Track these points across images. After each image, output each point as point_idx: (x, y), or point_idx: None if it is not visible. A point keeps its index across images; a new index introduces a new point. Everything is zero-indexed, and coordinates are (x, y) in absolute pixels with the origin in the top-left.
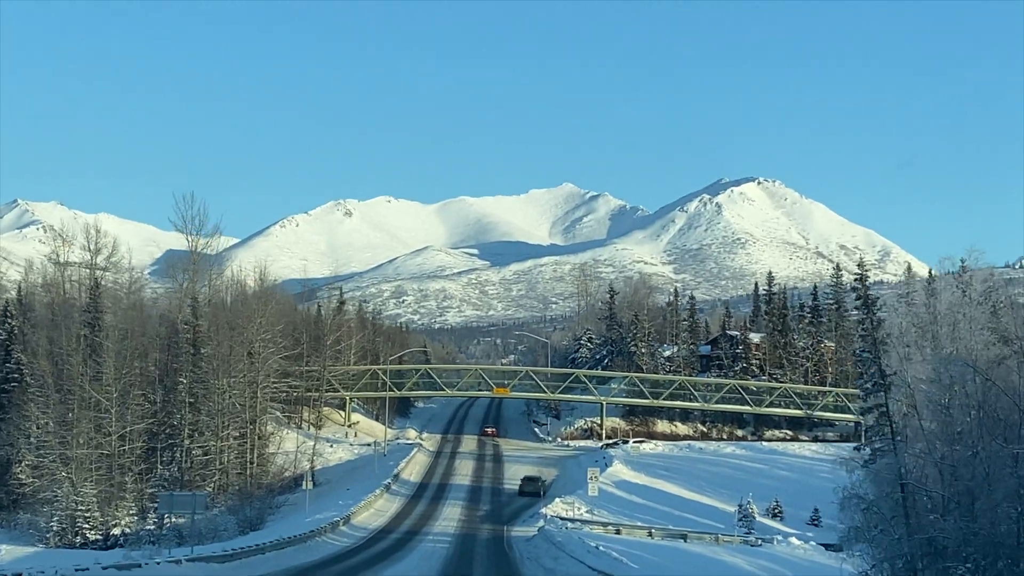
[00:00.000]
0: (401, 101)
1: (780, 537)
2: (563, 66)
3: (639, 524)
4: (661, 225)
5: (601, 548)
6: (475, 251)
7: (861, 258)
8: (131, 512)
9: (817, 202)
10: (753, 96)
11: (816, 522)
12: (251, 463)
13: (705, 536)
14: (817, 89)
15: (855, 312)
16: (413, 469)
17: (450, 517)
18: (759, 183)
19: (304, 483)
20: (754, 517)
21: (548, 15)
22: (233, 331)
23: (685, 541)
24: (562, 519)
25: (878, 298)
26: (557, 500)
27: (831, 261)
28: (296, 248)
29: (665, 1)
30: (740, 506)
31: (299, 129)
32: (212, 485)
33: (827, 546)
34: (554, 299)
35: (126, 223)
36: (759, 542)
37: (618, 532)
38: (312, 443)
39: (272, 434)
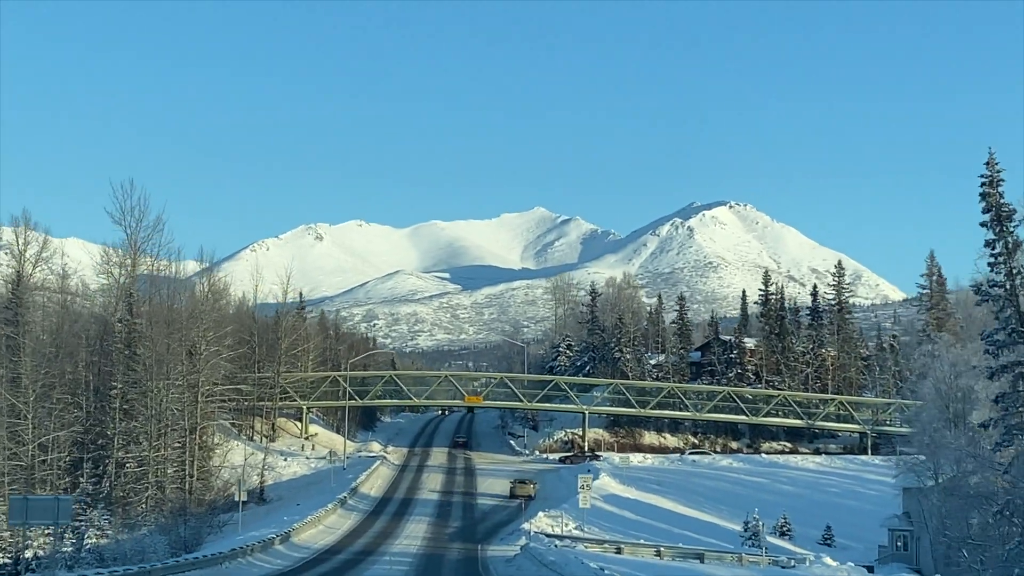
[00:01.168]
0: (372, 126)
1: (813, 557)
2: (534, 91)
3: (642, 542)
4: (633, 249)
5: (607, 571)
6: (446, 275)
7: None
8: (47, 532)
9: (788, 226)
10: (724, 120)
11: (829, 541)
12: (190, 476)
13: (726, 556)
14: (788, 113)
15: (860, 314)
16: (374, 483)
17: (413, 535)
18: (731, 207)
19: (236, 495)
20: (762, 535)
21: (519, 40)
22: (172, 329)
23: (702, 562)
24: (548, 536)
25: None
26: (540, 514)
27: (803, 284)
28: (266, 272)
29: (636, 25)
30: (746, 523)
31: (270, 153)
32: (145, 502)
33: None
34: (526, 323)
35: (91, 246)
36: (792, 564)
37: (619, 551)
38: (262, 456)
39: (218, 445)
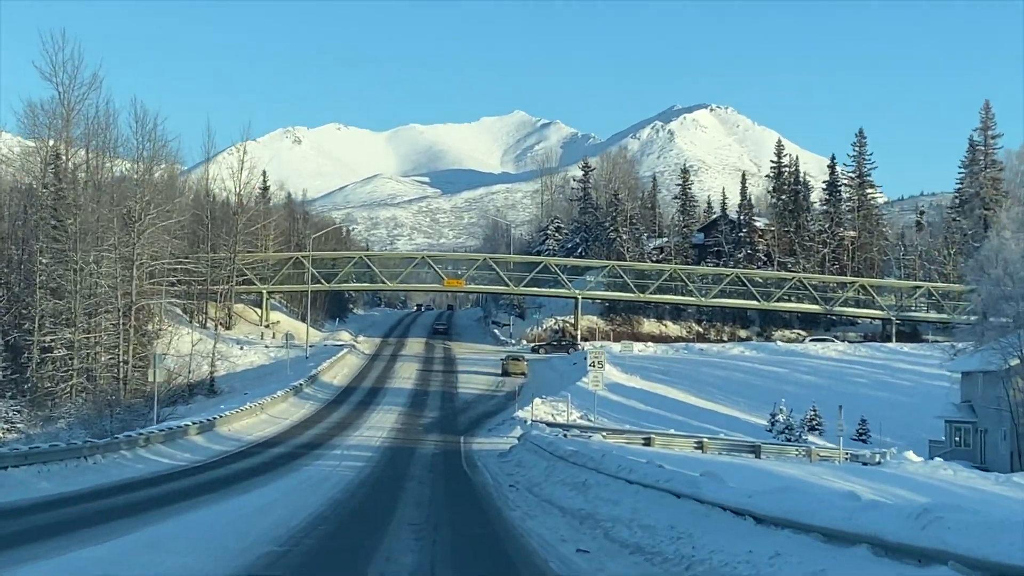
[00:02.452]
0: (351, 28)
1: (895, 451)
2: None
3: (672, 431)
4: (614, 152)
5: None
6: (426, 179)
7: None
8: None
9: (769, 129)
10: (706, 22)
11: (864, 437)
12: (125, 363)
13: (788, 450)
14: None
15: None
16: (339, 372)
17: (378, 426)
18: (712, 110)
19: (150, 375)
20: (794, 428)
21: None
22: (104, 194)
23: (758, 457)
24: (551, 425)
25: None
26: (537, 401)
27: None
28: (244, 175)
29: None
30: (773, 416)
31: (248, 55)
32: (70, 391)
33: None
34: (506, 226)
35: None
36: (876, 459)
37: (648, 443)
38: (212, 343)
39: (162, 331)
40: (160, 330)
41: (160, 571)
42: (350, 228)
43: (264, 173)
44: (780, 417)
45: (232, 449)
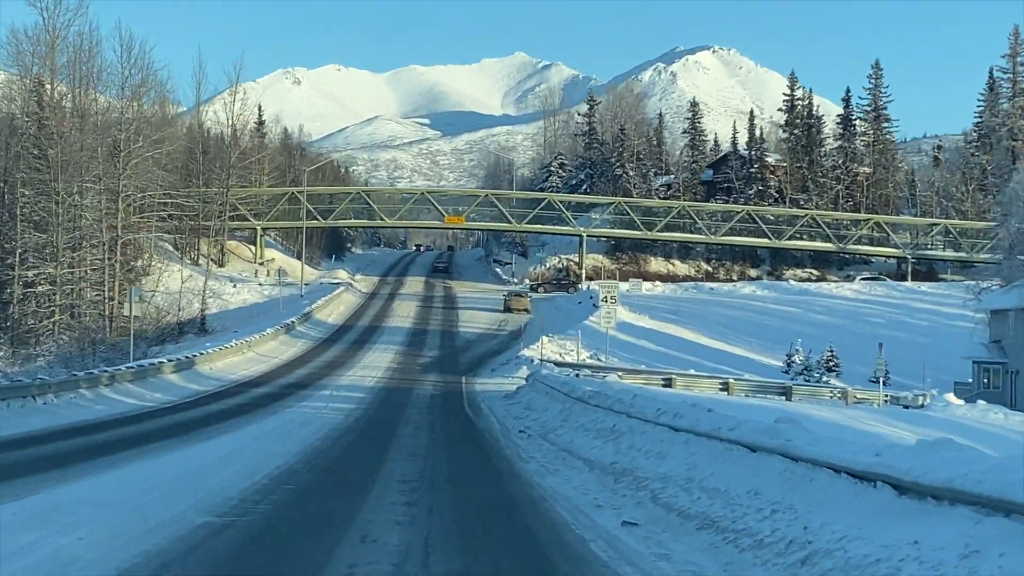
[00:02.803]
0: None
1: (935, 393)
2: None
3: (692, 372)
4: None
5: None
6: (426, 121)
7: None
8: None
9: (772, 71)
10: None
11: (885, 379)
12: (110, 300)
13: (822, 392)
14: None
15: (897, 123)
16: (334, 310)
17: (373, 365)
18: (714, 51)
19: (127, 309)
20: (812, 370)
21: None
22: (88, 124)
23: (788, 399)
24: (559, 365)
25: None
26: (544, 339)
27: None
28: (237, 107)
29: None
30: (789, 356)
31: None
32: (53, 328)
33: None
34: (506, 169)
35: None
36: (919, 402)
37: (669, 383)
38: (203, 280)
39: (149, 267)
40: (149, 266)
41: (20, 564)
42: (350, 168)
43: (260, 107)
44: (796, 358)
45: (210, 389)
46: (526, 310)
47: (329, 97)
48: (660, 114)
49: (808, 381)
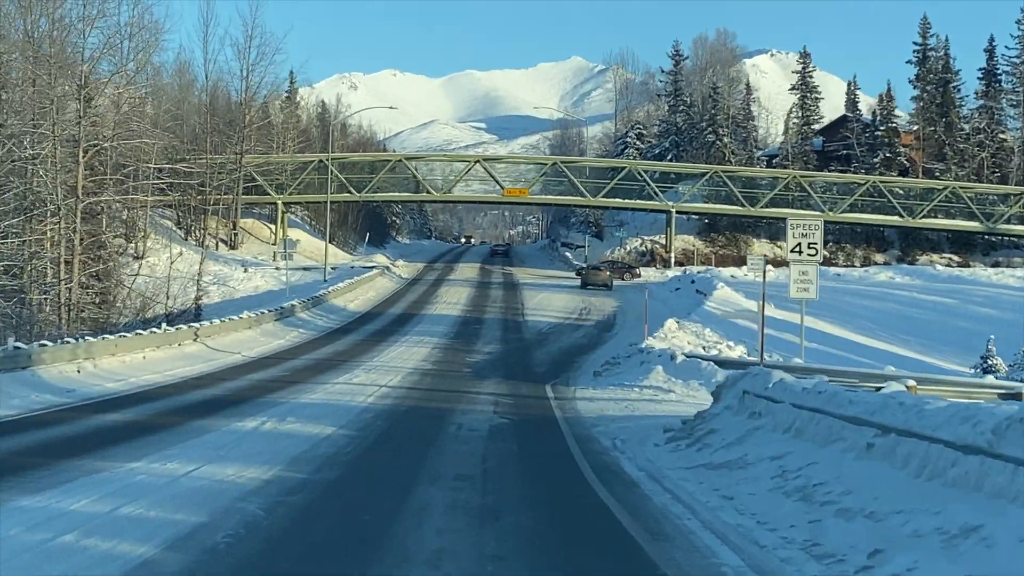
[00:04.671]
0: None
1: None
2: None
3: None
4: None
5: None
6: (482, 125)
7: None
8: None
9: (831, 74)
10: None
11: None
12: (66, 282)
13: None
14: None
15: None
16: (360, 295)
17: (393, 365)
18: (772, 55)
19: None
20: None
21: None
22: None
23: None
24: (703, 359)
25: None
26: (671, 323)
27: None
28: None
29: None
30: (984, 359)
31: (303, 1)
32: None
33: None
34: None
35: None
36: None
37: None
38: (199, 261)
39: (144, 247)
40: (145, 248)
41: None
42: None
43: (292, 74)
44: (993, 361)
45: (48, 406)
46: (605, 285)
47: (385, 101)
48: (747, 83)
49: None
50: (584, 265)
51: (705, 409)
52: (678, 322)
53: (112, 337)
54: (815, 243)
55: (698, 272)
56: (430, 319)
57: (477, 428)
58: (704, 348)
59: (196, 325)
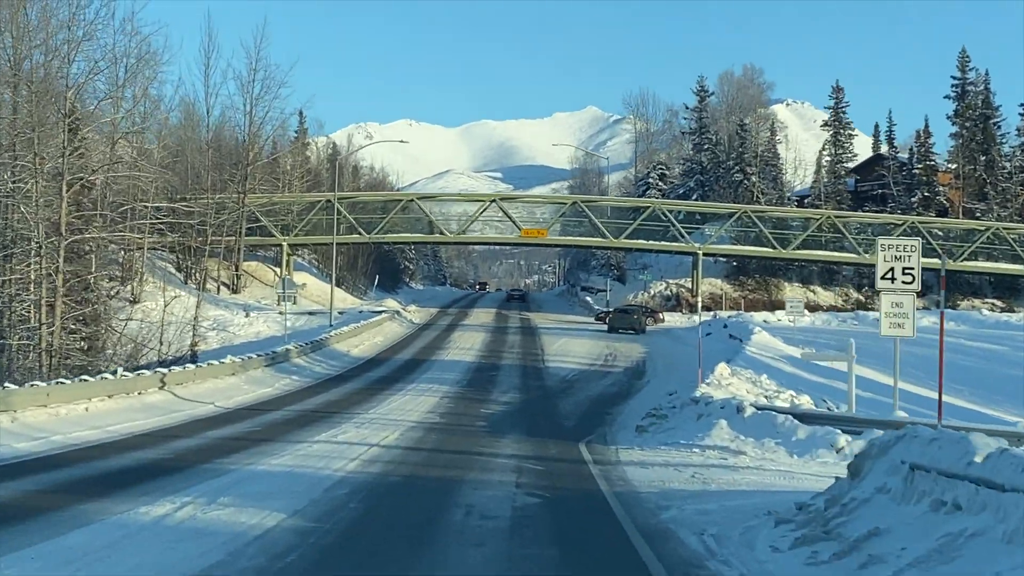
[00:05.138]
0: (423, 24)
1: None
2: None
3: None
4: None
5: None
6: (498, 174)
7: None
8: None
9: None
10: (773, 20)
11: None
12: (48, 326)
13: None
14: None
15: None
16: (365, 340)
17: (391, 418)
18: (787, 104)
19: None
20: None
21: None
22: (37, 88)
23: None
24: (761, 408)
25: None
26: (723, 368)
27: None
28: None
29: None
30: None
31: (319, 51)
32: None
33: None
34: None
35: None
36: None
37: None
38: (195, 304)
39: (140, 291)
40: (141, 291)
41: None
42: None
43: (301, 113)
44: None
45: None
46: (633, 328)
47: (401, 151)
48: (772, 122)
49: None
50: (606, 308)
51: (835, 488)
52: (731, 367)
53: (43, 385)
54: (911, 268)
55: (728, 316)
56: (441, 365)
57: (494, 514)
58: (766, 398)
59: (163, 371)
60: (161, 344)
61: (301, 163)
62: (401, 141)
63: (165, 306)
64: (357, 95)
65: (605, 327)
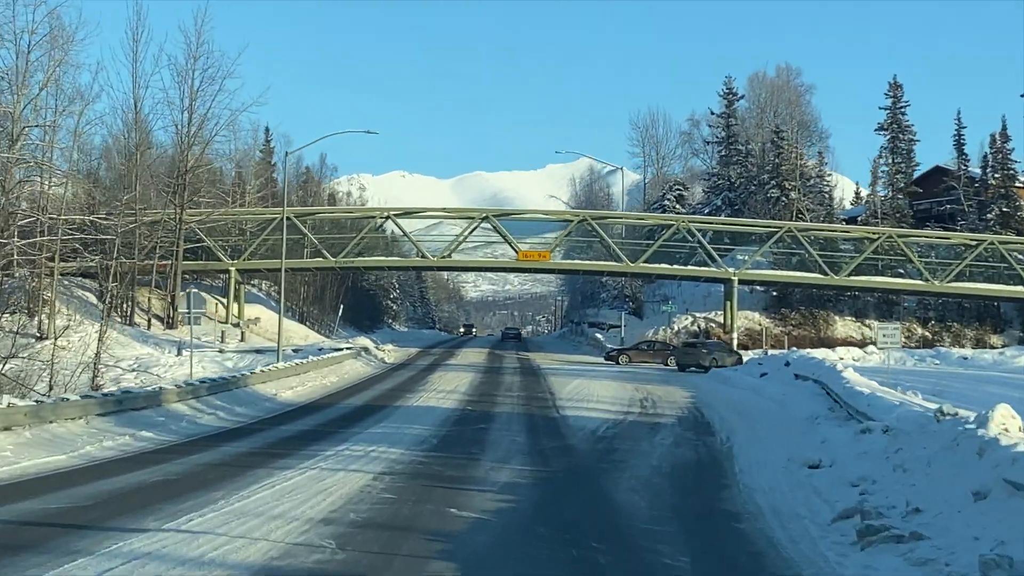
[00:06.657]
0: (415, 77)
1: None
2: (582, 42)
3: None
4: None
5: None
6: (490, 225)
7: None
8: None
9: (841, 175)
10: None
11: None
12: None
13: None
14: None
15: None
16: (310, 381)
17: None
18: None
19: None
20: None
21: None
22: None
23: None
24: None
25: None
26: (1003, 408)
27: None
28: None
29: None
30: None
31: (312, 102)
32: None
33: None
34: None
35: None
36: None
37: None
38: (97, 337)
39: (45, 325)
40: (48, 326)
41: None
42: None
43: (267, 129)
44: None
45: None
46: (700, 365)
47: (394, 202)
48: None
49: None
50: (620, 347)
51: None
52: (1012, 411)
53: None
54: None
55: (787, 353)
56: (404, 414)
57: None
58: None
59: None
60: (51, 388)
61: (266, 183)
62: (368, 132)
63: (55, 339)
64: (349, 147)
65: (615, 367)
